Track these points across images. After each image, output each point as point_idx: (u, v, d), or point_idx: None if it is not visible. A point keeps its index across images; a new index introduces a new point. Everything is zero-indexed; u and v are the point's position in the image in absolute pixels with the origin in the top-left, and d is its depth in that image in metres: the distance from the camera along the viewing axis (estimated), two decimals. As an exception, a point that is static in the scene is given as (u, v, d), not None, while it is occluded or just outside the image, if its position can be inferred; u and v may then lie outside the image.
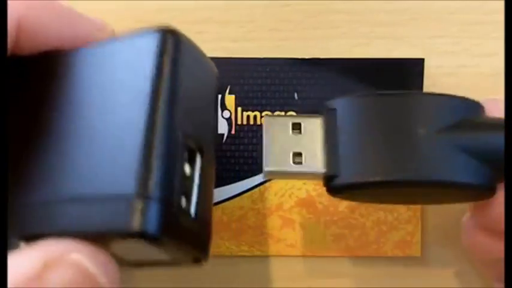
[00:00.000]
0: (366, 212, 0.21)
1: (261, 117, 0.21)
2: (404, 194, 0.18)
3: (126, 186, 0.13)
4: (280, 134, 0.17)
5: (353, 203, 0.21)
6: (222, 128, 0.21)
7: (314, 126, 0.17)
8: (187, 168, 0.15)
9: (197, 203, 0.15)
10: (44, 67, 0.17)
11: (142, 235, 0.13)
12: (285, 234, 0.21)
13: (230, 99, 0.21)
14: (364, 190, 0.17)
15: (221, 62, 0.21)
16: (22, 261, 0.13)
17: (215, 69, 0.18)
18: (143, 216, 0.13)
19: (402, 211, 0.21)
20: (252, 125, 0.21)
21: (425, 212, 0.21)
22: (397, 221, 0.21)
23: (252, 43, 0.22)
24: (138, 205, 0.13)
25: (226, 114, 0.21)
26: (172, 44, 0.15)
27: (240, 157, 0.21)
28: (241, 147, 0.21)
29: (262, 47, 0.22)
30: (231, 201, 0.21)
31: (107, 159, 0.14)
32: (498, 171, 0.16)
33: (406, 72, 0.21)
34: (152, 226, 0.13)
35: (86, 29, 0.17)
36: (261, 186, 0.21)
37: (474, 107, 0.17)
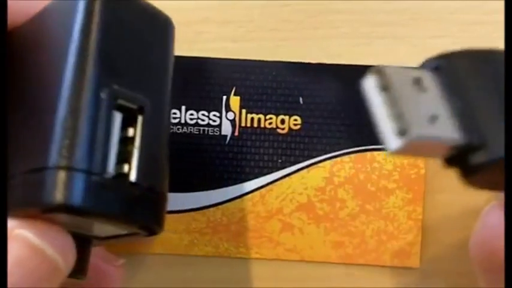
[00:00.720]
0: (366, 220, 0.21)
1: (265, 120, 0.21)
2: None
3: (48, 158, 0.13)
4: (405, 91, 0.13)
5: (354, 211, 0.21)
6: (226, 129, 0.21)
7: (433, 84, 0.13)
8: (116, 131, 0.14)
9: (139, 168, 0.14)
10: None
11: (66, 208, 0.13)
12: (284, 239, 0.21)
13: (235, 101, 0.21)
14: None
15: (227, 63, 0.21)
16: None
17: (168, 22, 0.16)
18: (65, 187, 0.13)
19: (403, 221, 0.21)
20: (255, 128, 0.21)
21: (426, 224, 0.21)
22: (397, 230, 0.21)
23: (252, 43, 0.22)
24: (60, 177, 0.13)
25: (231, 115, 0.21)
26: (99, 1, 0.14)
27: (242, 159, 0.21)
28: (244, 149, 0.21)
29: (262, 47, 0.22)
30: (232, 202, 0.21)
31: (35, 129, 0.14)
32: None
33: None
34: (75, 197, 0.13)
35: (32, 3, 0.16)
36: (262, 189, 0.21)
37: None
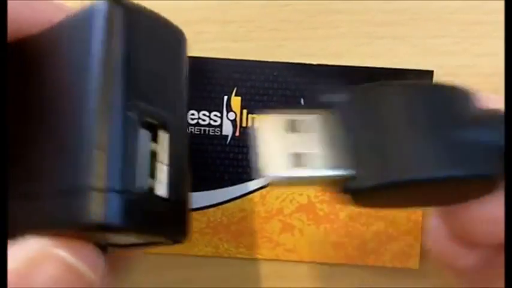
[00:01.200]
0: (366, 221, 0.21)
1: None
2: (425, 193, 0.15)
3: (83, 179, 0.13)
4: (275, 134, 0.14)
5: (354, 212, 0.21)
6: (227, 129, 0.21)
7: (313, 123, 0.14)
8: (145, 148, 0.14)
9: (169, 183, 0.14)
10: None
11: (105, 227, 0.13)
12: (284, 239, 0.21)
13: (236, 101, 0.21)
14: (391, 191, 0.14)
15: (228, 63, 0.21)
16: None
17: (181, 36, 0.16)
18: (103, 208, 0.13)
19: (403, 222, 0.21)
20: (256, 128, 0.21)
21: (426, 225, 0.21)
22: (397, 232, 0.21)
23: (252, 43, 0.22)
24: (96, 197, 0.13)
25: (232, 116, 0.21)
26: (119, 16, 0.14)
27: (243, 159, 0.21)
28: (245, 149, 0.21)
29: (262, 47, 0.22)
30: (232, 203, 0.21)
31: (61, 149, 0.14)
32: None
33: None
34: (113, 216, 0.13)
35: (46, 11, 0.16)
36: (263, 190, 0.21)
37: (471, 97, 0.15)
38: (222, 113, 0.21)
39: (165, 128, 0.15)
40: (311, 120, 0.14)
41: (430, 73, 0.21)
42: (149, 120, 0.14)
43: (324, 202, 0.21)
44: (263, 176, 0.14)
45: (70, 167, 0.13)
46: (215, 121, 0.21)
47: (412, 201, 0.16)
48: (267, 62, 0.21)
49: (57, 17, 0.16)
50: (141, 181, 0.14)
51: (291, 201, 0.21)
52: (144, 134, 0.14)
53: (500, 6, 0.18)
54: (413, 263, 0.21)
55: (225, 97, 0.21)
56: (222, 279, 0.22)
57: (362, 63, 0.21)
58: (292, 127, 0.15)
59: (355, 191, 0.14)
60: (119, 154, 0.13)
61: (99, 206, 0.13)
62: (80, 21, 0.15)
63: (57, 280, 0.13)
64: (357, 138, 0.14)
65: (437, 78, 0.21)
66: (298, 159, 0.14)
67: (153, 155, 0.14)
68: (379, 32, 0.22)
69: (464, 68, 0.21)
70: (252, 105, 0.21)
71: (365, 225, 0.21)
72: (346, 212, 0.21)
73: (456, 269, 0.18)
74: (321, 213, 0.21)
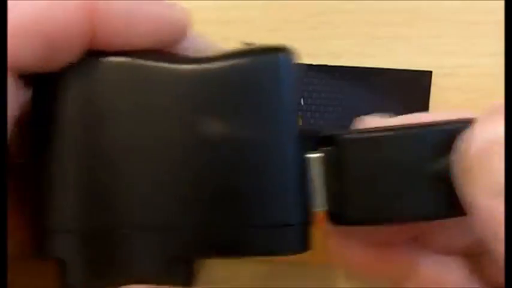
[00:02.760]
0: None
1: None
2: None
3: (290, 217, 0.16)
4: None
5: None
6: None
7: (316, 163, 0.17)
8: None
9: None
10: (128, 70, 0.16)
11: (297, 253, 0.16)
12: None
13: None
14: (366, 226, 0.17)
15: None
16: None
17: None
18: (301, 238, 0.16)
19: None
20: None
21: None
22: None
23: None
24: (298, 231, 0.16)
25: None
26: (287, 64, 0.16)
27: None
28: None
29: (262, 47, 0.22)
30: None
31: (267, 190, 0.16)
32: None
33: (413, 84, 0.21)
34: (305, 244, 0.16)
35: (171, 32, 0.17)
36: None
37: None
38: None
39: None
40: (314, 160, 0.17)
41: (428, 73, 0.21)
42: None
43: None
44: None
45: (278, 206, 0.16)
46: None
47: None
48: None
49: (178, 39, 0.17)
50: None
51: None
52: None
53: (500, 6, 0.18)
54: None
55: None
56: (222, 279, 0.22)
57: (362, 63, 0.21)
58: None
59: (338, 223, 0.17)
60: (305, 193, 0.16)
61: (300, 238, 0.16)
62: (246, 65, 0.16)
63: None
64: (349, 180, 0.16)
65: (437, 78, 0.21)
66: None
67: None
68: (379, 32, 0.22)
69: (464, 68, 0.21)
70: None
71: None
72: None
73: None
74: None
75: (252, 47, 0.17)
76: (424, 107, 0.21)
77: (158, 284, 0.16)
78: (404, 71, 0.21)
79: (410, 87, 0.21)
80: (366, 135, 0.17)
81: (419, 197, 0.16)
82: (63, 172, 0.16)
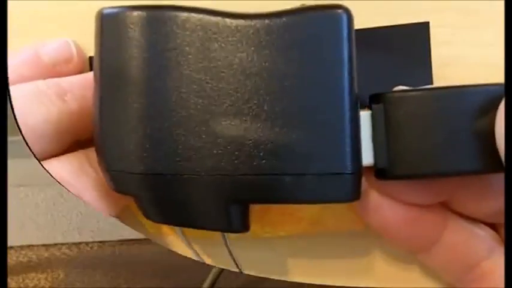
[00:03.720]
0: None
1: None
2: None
3: (345, 166, 0.17)
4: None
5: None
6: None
7: (364, 120, 0.18)
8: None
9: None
10: None
11: (348, 201, 0.18)
12: (307, 213, 0.22)
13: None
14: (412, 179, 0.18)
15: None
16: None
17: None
18: (353, 188, 0.17)
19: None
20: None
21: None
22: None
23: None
24: (352, 179, 0.17)
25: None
26: (347, 21, 0.17)
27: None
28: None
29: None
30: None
31: (323, 140, 0.17)
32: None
33: (412, 38, 0.21)
34: (356, 194, 0.18)
35: None
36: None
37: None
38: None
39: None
40: (362, 116, 0.18)
41: (425, 25, 0.21)
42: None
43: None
44: None
45: (334, 156, 0.17)
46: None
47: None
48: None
49: None
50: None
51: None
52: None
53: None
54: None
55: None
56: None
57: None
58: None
59: (384, 178, 0.18)
60: (358, 143, 0.17)
61: (354, 187, 0.17)
62: (311, 21, 0.17)
63: None
64: (394, 136, 0.18)
65: (434, 68, 0.21)
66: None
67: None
68: (376, 22, 0.21)
69: (462, 58, 0.21)
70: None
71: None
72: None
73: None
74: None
75: (311, 5, 0.18)
76: (426, 60, 0.21)
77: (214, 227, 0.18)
78: (399, 26, 0.21)
79: (409, 42, 0.21)
80: (413, 93, 0.18)
81: (463, 152, 0.17)
82: (130, 116, 0.18)
